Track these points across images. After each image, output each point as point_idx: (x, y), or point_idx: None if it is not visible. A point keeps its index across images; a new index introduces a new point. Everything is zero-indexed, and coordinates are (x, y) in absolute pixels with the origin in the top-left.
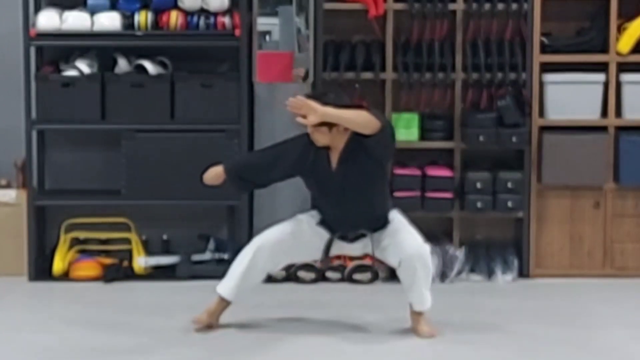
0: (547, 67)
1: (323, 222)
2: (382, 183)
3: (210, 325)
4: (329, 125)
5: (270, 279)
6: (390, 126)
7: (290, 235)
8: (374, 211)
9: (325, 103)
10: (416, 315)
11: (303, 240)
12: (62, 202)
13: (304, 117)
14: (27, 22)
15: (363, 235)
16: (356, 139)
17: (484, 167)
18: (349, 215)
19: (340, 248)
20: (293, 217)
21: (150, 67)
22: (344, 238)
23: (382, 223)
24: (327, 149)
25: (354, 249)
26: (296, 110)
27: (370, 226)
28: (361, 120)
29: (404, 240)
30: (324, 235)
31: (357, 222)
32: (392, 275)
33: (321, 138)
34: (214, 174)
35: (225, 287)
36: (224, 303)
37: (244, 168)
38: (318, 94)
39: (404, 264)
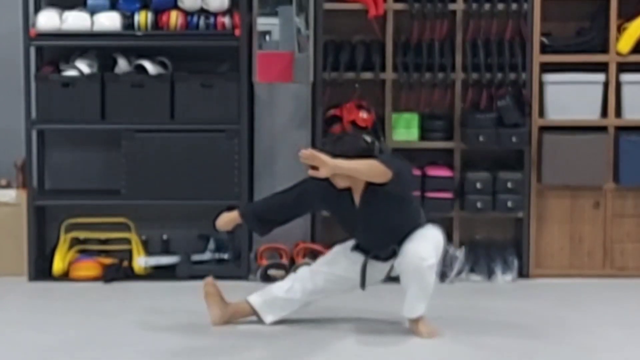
0: (547, 67)
1: (357, 247)
2: (408, 208)
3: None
4: None
5: (269, 278)
6: (403, 171)
7: (327, 265)
8: (403, 234)
9: (335, 155)
10: (410, 320)
11: (340, 267)
12: (62, 202)
13: (316, 168)
14: (27, 22)
15: (395, 252)
16: None
17: (484, 167)
18: (378, 243)
19: (377, 268)
20: (334, 248)
21: (150, 67)
22: (377, 257)
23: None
24: (348, 188)
25: (390, 266)
26: (307, 162)
27: (400, 244)
28: (372, 172)
29: (410, 246)
30: (358, 259)
31: (387, 245)
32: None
33: (341, 182)
34: (228, 220)
35: (258, 298)
36: (249, 310)
37: (263, 212)
38: (330, 143)
39: (402, 270)
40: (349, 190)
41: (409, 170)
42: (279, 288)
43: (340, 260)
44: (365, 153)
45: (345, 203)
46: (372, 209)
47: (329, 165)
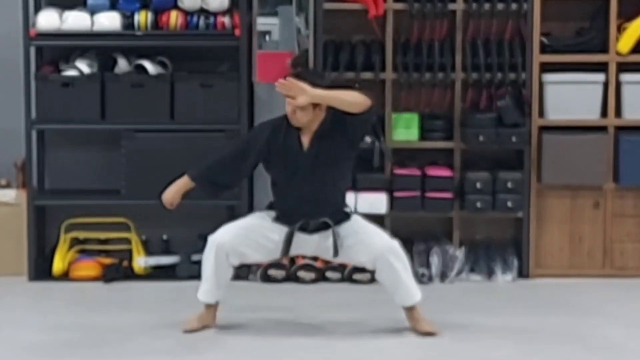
0: (547, 67)
1: (279, 219)
2: (349, 168)
3: (206, 327)
4: (314, 104)
5: (269, 278)
6: (375, 104)
7: (245, 229)
8: (337, 197)
9: (313, 84)
10: (410, 311)
11: (260, 234)
12: (62, 202)
13: (293, 97)
14: (27, 22)
15: (323, 227)
16: (333, 119)
17: (483, 167)
18: (312, 198)
19: (301, 242)
20: (246, 217)
21: (150, 67)
22: (304, 229)
23: (342, 216)
24: (297, 129)
25: (312, 241)
26: (286, 91)
27: (331, 215)
28: (352, 99)
29: (371, 238)
30: (282, 230)
31: (320, 208)
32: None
33: (302, 117)
34: (176, 189)
35: (204, 292)
36: (212, 307)
37: (215, 168)
38: (306, 74)
39: (379, 262)
40: (298, 133)
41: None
42: (210, 274)
43: (258, 231)
44: (331, 84)
45: (292, 147)
46: (320, 151)
47: (309, 94)
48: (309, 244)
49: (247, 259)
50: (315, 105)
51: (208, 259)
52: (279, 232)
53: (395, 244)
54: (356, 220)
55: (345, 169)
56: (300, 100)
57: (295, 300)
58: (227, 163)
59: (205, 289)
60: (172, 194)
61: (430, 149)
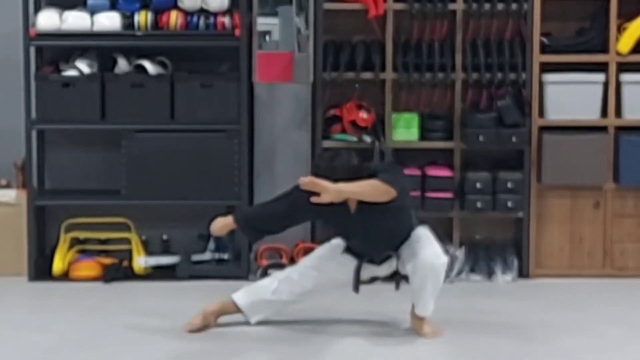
0: (547, 67)
1: (348, 250)
2: (404, 213)
3: (206, 326)
4: None
5: None
6: (405, 186)
7: (315, 269)
8: (398, 238)
9: (335, 180)
10: (418, 318)
11: (330, 270)
12: (62, 202)
13: (318, 195)
14: (27, 22)
15: (390, 256)
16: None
17: (484, 167)
18: (374, 247)
19: (370, 271)
20: (320, 246)
21: (150, 67)
22: (372, 262)
23: (406, 238)
24: None
25: (383, 270)
26: (308, 188)
27: (396, 247)
28: (376, 193)
29: (421, 248)
30: (350, 261)
31: (383, 250)
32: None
33: (338, 200)
34: (222, 225)
35: (241, 296)
36: (234, 309)
37: (256, 219)
38: (326, 168)
39: (417, 271)
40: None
41: (409, 182)
42: (265, 289)
43: (330, 263)
44: (359, 173)
45: (339, 210)
46: (368, 215)
47: (332, 192)
48: (378, 271)
49: (316, 289)
50: None
51: (274, 283)
52: (348, 263)
53: (441, 263)
54: (417, 233)
55: (399, 217)
56: (325, 198)
57: None
58: (270, 216)
59: (250, 301)
60: (219, 228)
61: (430, 149)
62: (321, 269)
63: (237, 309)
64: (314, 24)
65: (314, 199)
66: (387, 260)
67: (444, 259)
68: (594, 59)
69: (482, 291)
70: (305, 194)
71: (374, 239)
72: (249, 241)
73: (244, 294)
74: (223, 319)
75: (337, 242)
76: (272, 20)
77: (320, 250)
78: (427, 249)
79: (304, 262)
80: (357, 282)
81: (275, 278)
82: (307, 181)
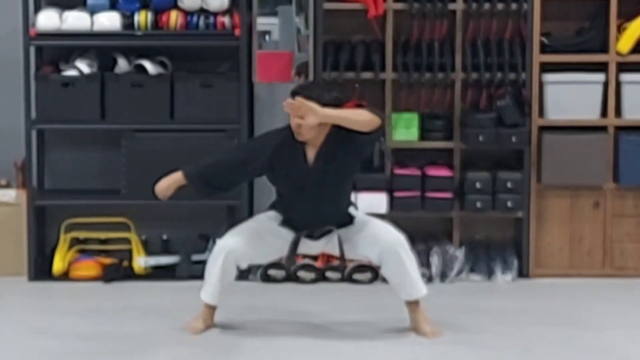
0: (547, 67)
1: (285, 223)
2: (353, 178)
3: (208, 327)
4: None
5: (270, 279)
6: (384, 120)
7: (253, 234)
8: (342, 206)
9: (322, 103)
10: (415, 309)
11: (268, 240)
12: (62, 202)
13: (301, 117)
14: (27, 22)
15: (328, 232)
16: (338, 133)
17: (483, 167)
18: (319, 211)
19: (307, 246)
20: (253, 218)
21: (150, 67)
22: (310, 236)
23: (347, 219)
24: (302, 144)
25: (318, 246)
26: (294, 111)
27: (337, 222)
28: (363, 119)
29: (377, 231)
30: (288, 235)
31: (326, 218)
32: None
33: (308, 133)
34: (169, 183)
35: (210, 294)
36: (213, 308)
37: (212, 171)
38: (312, 92)
39: (386, 254)
40: (303, 148)
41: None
42: (216, 277)
43: (265, 237)
44: (341, 103)
45: (297, 162)
46: (326, 167)
47: (319, 114)
48: (315, 247)
49: (254, 261)
50: (321, 122)
51: (215, 263)
52: (286, 236)
53: (402, 238)
54: (362, 218)
55: (350, 181)
56: (310, 121)
57: (295, 300)
58: (225, 167)
59: (210, 291)
60: (165, 187)
61: (430, 149)
62: (256, 243)
63: (213, 306)
64: (314, 23)
65: (295, 121)
66: (326, 236)
67: (402, 236)
68: (594, 59)
69: (481, 291)
70: (266, 140)
71: (323, 200)
72: (202, 197)
73: (204, 290)
74: (223, 319)
75: (273, 214)
76: (272, 20)
77: (257, 220)
78: (383, 234)
79: (239, 232)
80: (292, 257)
81: (220, 253)
82: (294, 102)
